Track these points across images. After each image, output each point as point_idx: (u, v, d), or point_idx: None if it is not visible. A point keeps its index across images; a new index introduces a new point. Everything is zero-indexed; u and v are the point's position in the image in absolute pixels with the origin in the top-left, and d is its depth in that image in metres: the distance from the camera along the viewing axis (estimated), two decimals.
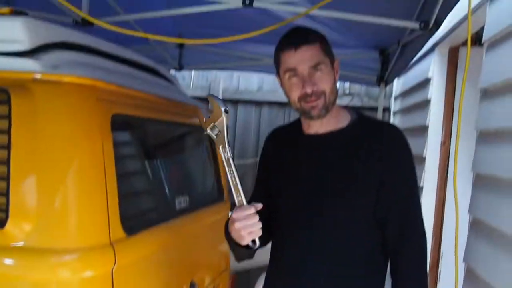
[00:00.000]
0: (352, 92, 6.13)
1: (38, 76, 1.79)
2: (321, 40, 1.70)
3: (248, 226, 1.61)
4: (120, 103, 2.05)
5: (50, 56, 1.88)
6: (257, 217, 1.62)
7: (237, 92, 6.41)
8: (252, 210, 1.62)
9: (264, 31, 2.75)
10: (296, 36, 1.69)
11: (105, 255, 1.78)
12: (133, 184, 2.25)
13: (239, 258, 1.81)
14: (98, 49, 2.21)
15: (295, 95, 1.68)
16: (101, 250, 1.78)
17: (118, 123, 2.03)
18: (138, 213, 2.20)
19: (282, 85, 1.75)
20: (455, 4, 2.31)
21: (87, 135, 1.83)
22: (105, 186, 1.82)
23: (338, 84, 1.79)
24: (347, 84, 6.16)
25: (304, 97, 1.66)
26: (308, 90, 1.64)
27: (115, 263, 1.79)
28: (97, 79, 1.90)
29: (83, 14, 2.75)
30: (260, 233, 1.63)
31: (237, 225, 1.61)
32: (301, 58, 1.65)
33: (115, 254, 1.80)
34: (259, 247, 1.69)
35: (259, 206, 1.64)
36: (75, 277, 1.72)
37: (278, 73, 1.76)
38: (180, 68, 4.92)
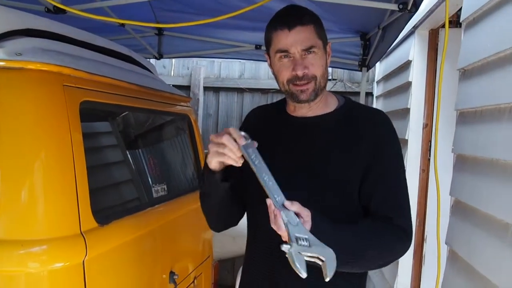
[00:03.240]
0: (334, 77, 6.11)
1: (0, 63, 1.73)
2: (315, 22, 1.63)
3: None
4: (89, 90, 1.99)
5: (14, 43, 1.82)
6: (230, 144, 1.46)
7: (218, 79, 6.37)
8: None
9: (240, 12, 2.69)
10: (291, 16, 1.61)
11: (76, 246, 1.73)
12: (105, 173, 2.20)
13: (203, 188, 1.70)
14: (66, 36, 2.14)
15: (284, 76, 1.62)
16: (71, 241, 1.73)
17: (88, 110, 1.97)
18: (111, 203, 2.15)
19: (271, 64, 1.68)
20: None
21: (54, 123, 1.77)
22: (74, 175, 1.76)
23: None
24: (329, 69, 6.14)
25: (293, 80, 1.60)
26: (299, 73, 1.58)
27: (86, 253, 1.75)
28: (63, 66, 1.84)
29: (54, 2, 2.68)
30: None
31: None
32: (294, 40, 1.58)
33: (86, 244, 1.75)
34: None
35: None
36: (45, 268, 1.67)
37: (268, 52, 1.69)
38: (159, 56, 4.86)
